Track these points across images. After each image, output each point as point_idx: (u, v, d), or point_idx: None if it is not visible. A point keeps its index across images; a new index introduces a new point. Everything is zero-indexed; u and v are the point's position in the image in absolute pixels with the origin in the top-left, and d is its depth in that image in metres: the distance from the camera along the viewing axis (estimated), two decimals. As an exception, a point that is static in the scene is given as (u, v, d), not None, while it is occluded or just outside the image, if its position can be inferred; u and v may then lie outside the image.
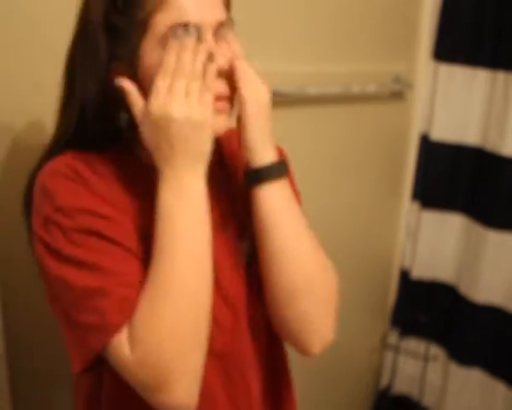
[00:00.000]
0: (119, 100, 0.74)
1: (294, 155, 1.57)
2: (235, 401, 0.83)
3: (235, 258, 0.82)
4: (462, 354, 1.88)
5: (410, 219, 1.94)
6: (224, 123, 0.75)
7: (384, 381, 2.05)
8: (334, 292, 0.85)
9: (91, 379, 0.80)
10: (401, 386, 2.04)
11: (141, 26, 0.70)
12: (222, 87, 0.75)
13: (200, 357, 0.71)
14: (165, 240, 0.70)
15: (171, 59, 0.69)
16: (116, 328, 0.68)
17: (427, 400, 1.99)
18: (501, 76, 1.69)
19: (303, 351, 0.83)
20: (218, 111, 0.74)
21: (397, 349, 1.99)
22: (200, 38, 0.71)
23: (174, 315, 0.68)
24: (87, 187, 0.73)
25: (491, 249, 1.75)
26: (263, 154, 0.77)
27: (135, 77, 0.73)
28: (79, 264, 0.69)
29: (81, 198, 0.72)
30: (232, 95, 0.76)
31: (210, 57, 0.71)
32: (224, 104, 0.75)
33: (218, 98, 0.73)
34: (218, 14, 0.74)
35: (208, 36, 0.73)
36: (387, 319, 2.03)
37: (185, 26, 0.70)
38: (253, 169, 0.77)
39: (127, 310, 0.68)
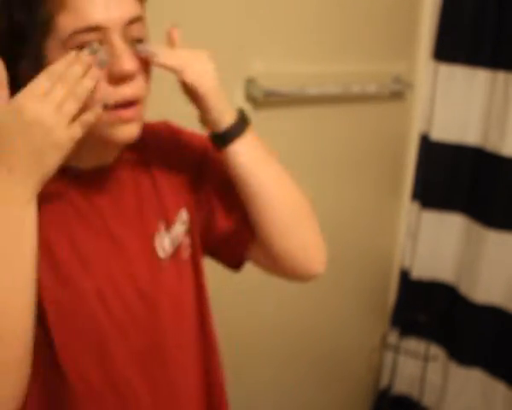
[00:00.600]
0: None
1: (294, 154, 1.58)
2: (160, 400, 0.81)
3: (150, 251, 0.80)
4: (462, 354, 1.88)
5: (410, 219, 1.94)
6: (133, 132, 0.72)
7: (384, 381, 2.05)
8: (313, 211, 0.90)
9: None
10: (401, 386, 2.04)
11: (42, 26, 0.66)
12: (128, 91, 0.70)
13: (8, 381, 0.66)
14: None
15: (61, 65, 0.65)
16: None
17: (427, 400, 1.99)
18: (501, 76, 1.69)
19: (308, 274, 0.88)
20: (125, 120, 0.70)
21: (397, 349, 1.99)
22: (101, 62, 0.67)
23: None
24: None
25: (491, 249, 1.75)
26: (224, 119, 0.78)
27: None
28: None
29: None
30: (145, 95, 0.73)
31: (95, 87, 0.66)
32: (133, 112, 0.71)
33: (125, 105, 0.70)
34: (128, 11, 0.69)
35: (115, 36, 0.67)
36: (387, 319, 2.03)
37: (88, 29, 0.66)
38: (219, 134, 0.78)
39: None
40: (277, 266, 0.88)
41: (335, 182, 1.71)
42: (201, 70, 0.77)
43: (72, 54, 0.65)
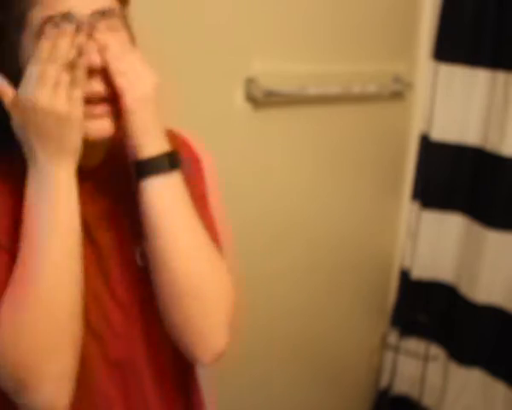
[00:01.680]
0: None
1: (294, 154, 1.58)
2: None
3: (131, 260, 0.79)
4: (462, 354, 1.88)
5: (410, 219, 1.94)
6: (105, 128, 0.71)
7: (384, 381, 2.05)
8: (227, 299, 0.78)
9: None
10: (401, 386, 2.04)
11: (18, 21, 0.68)
12: (96, 86, 0.69)
13: (65, 360, 0.68)
14: (28, 234, 0.68)
15: (45, 45, 0.66)
16: None
17: (427, 400, 1.99)
18: (501, 76, 1.69)
19: (193, 359, 0.80)
20: (95, 116, 0.70)
21: (397, 349, 1.99)
22: (79, 28, 0.67)
23: (32, 313, 0.66)
24: None
25: (491, 249, 1.75)
26: (144, 147, 0.72)
27: (18, 72, 0.69)
28: None
29: None
30: (115, 96, 0.71)
31: (80, 51, 0.67)
32: (102, 108, 0.70)
33: (95, 102, 0.69)
34: (98, 3, 0.70)
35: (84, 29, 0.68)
36: (387, 319, 2.03)
37: (59, 17, 0.67)
38: (136, 162, 0.73)
39: None
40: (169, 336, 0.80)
41: (335, 182, 1.71)
42: (139, 79, 0.71)
43: (52, 31, 0.67)
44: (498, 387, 1.81)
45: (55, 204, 0.68)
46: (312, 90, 1.49)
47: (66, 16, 0.67)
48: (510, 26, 1.66)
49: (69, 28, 0.67)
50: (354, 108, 1.68)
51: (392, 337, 2.01)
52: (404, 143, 1.91)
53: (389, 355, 2.02)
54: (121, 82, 0.69)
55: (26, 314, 0.66)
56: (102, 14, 0.70)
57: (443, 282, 1.92)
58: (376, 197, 1.87)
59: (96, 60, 0.68)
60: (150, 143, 0.72)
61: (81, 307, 0.70)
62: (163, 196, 0.73)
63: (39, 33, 0.68)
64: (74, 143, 0.68)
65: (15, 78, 0.69)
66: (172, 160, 0.74)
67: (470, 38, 1.73)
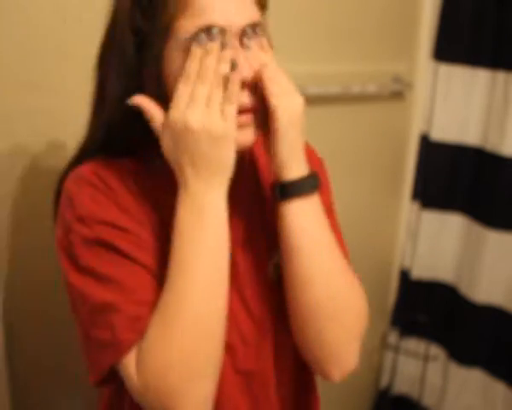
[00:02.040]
0: None
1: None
2: None
3: (263, 273, 0.79)
4: (462, 354, 1.88)
5: (410, 219, 1.94)
6: (248, 137, 0.71)
7: (384, 381, 2.05)
8: (360, 318, 0.79)
9: (114, 384, 0.76)
10: (401, 386, 2.04)
11: (163, 31, 0.67)
12: (245, 98, 0.70)
13: (210, 384, 0.67)
14: (180, 259, 0.67)
15: (193, 65, 0.66)
16: (126, 347, 0.66)
17: (427, 400, 1.99)
18: (501, 76, 1.69)
19: (322, 376, 0.80)
20: (241, 125, 0.69)
21: (397, 349, 1.99)
22: (224, 44, 0.67)
23: (183, 340, 0.65)
24: (111, 198, 0.71)
25: (491, 249, 1.75)
26: (289, 169, 0.72)
27: (161, 83, 0.70)
28: (95, 276, 0.68)
29: (103, 209, 0.70)
30: (259, 106, 0.71)
31: (233, 66, 0.67)
32: (247, 117, 0.70)
33: (241, 111, 0.69)
34: (248, 15, 0.69)
35: (234, 41, 0.68)
36: (387, 319, 2.03)
37: (208, 29, 0.66)
38: (278, 184, 0.73)
39: (139, 329, 0.66)
40: (298, 350, 0.80)
41: (335, 182, 1.70)
42: (291, 100, 0.72)
43: (198, 50, 0.66)
44: (498, 387, 1.80)
45: (209, 231, 0.67)
46: (312, 90, 1.49)
47: (214, 30, 0.67)
48: (510, 26, 1.66)
49: (214, 46, 0.66)
50: (354, 108, 1.68)
51: (392, 337, 2.01)
52: (404, 143, 1.91)
53: (389, 355, 2.02)
54: (276, 104, 0.70)
55: (177, 343, 0.65)
56: (254, 26, 0.70)
57: (443, 282, 1.92)
58: (376, 197, 1.87)
59: (248, 74, 0.68)
60: (295, 166, 0.73)
61: (225, 333, 0.69)
62: (304, 219, 0.73)
63: (188, 46, 0.67)
64: (229, 161, 0.67)
65: (158, 92, 0.69)
66: (313, 181, 0.74)
67: (470, 38, 1.73)
